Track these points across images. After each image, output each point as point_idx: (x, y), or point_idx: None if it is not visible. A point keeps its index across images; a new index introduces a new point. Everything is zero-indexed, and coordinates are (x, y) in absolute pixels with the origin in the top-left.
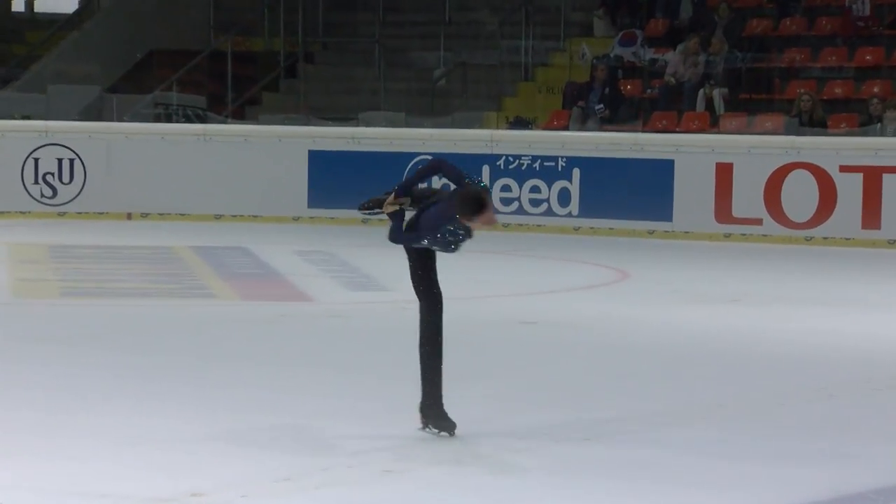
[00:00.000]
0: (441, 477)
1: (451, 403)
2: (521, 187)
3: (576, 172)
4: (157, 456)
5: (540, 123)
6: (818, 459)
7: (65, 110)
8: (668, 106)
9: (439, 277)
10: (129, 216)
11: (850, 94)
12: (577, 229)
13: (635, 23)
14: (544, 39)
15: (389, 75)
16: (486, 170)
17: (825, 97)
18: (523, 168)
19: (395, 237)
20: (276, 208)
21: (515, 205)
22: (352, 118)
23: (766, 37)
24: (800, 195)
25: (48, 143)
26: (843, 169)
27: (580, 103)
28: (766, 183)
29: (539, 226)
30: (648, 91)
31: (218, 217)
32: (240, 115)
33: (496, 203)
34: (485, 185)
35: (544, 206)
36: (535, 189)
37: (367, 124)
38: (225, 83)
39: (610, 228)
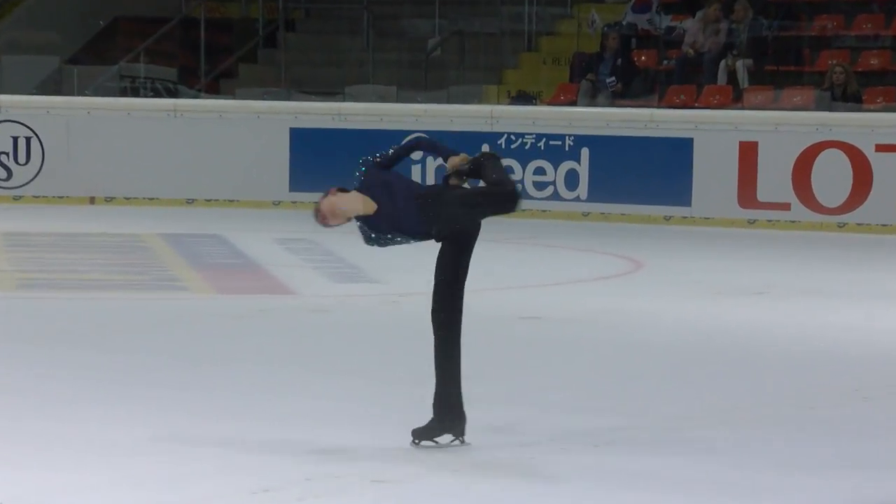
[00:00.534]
0: (436, 487)
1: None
2: (524, 169)
3: (584, 152)
4: (124, 466)
5: (545, 98)
6: (849, 469)
7: (20, 84)
8: (687, 79)
9: (430, 269)
10: (92, 200)
11: (887, 65)
12: (585, 215)
13: None
14: (549, 5)
15: (379, 45)
16: (485, 149)
17: (860, 69)
18: (527, 148)
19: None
20: (255, 192)
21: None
22: (337, 92)
23: (794, 2)
24: (832, 177)
25: (2, 119)
26: (880, 148)
27: (589, 76)
28: (795, 164)
29: (544, 211)
30: (665, 63)
31: (190, 202)
32: (214, 89)
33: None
34: (493, 153)
35: (550, 190)
36: (539, 171)
37: (355, 99)
38: (197, 53)
39: (622, 214)
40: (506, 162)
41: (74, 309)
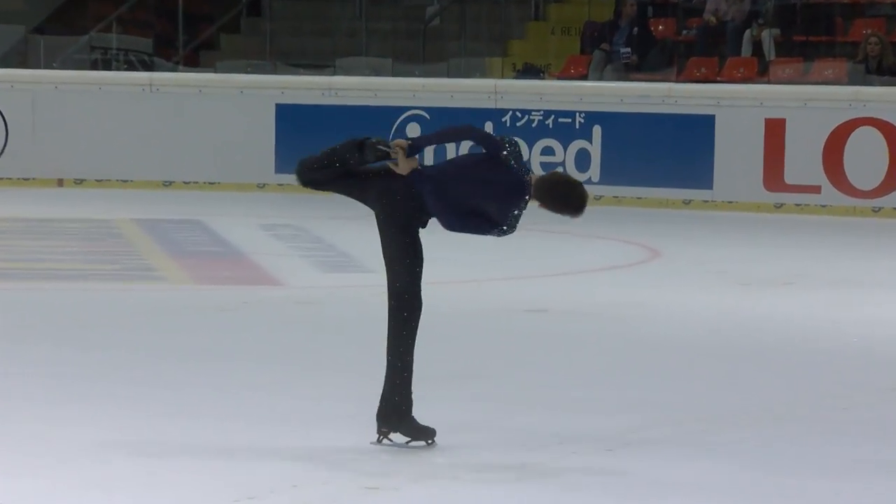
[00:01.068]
0: (433, 494)
1: (444, 405)
2: (530, 148)
3: (596, 131)
4: (95, 470)
5: (553, 72)
6: (886, 473)
7: None
8: (708, 50)
9: (428, 255)
10: (61, 183)
11: None
12: (597, 199)
13: None
14: None
15: (373, 13)
16: (488, 127)
17: None
18: (534, 125)
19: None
20: (238, 174)
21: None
22: (328, 65)
23: None
24: (866, 157)
25: None
26: None
27: (603, 45)
28: (826, 143)
29: None
30: (684, 32)
31: (167, 184)
32: (193, 62)
33: None
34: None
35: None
36: (547, 150)
37: (347, 73)
38: (175, 22)
39: (637, 198)
40: None
41: (40, 301)
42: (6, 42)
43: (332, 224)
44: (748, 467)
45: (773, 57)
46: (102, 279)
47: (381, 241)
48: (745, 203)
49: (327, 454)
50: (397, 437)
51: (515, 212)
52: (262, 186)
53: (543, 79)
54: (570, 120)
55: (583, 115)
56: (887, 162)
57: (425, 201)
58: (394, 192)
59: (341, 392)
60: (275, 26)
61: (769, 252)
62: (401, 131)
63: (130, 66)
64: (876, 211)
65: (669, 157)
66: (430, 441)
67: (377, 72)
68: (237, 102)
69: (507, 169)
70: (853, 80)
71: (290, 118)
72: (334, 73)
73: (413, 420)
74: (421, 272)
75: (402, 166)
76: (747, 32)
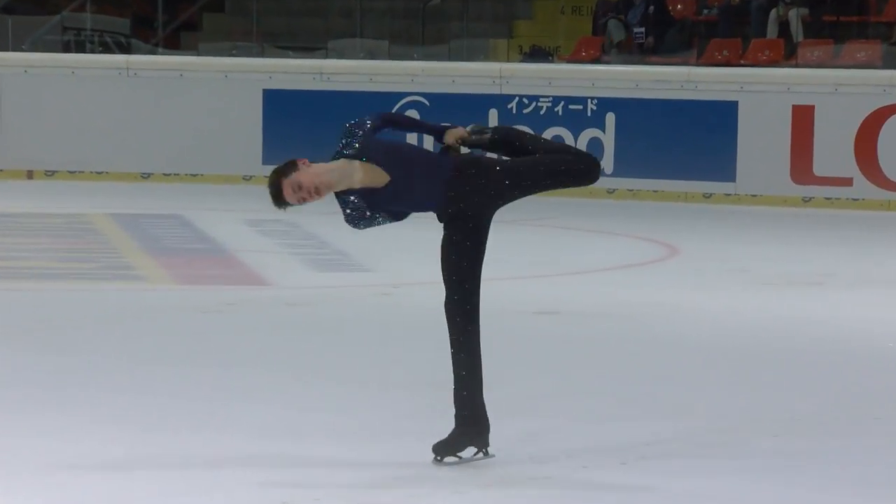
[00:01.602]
0: None
1: (445, 415)
2: None
3: (610, 118)
4: (63, 485)
5: (563, 54)
6: None
7: None
8: (731, 31)
9: (431, 253)
10: (30, 175)
11: None
12: (611, 192)
13: None
14: None
15: None
16: (493, 114)
17: None
18: (542, 113)
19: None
20: (222, 165)
21: None
22: (319, 47)
23: None
24: None
25: None
26: None
27: (618, 17)
28: (858, 131)
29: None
30: (705, 12)
31: (146, 176)
32: (173, 44)
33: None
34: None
35: None
36: (557, 139)
37: (340, 56)
38: (154, 1)
39: (654, 191)
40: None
41: (9, 302)
42: None
43: (326, 219)
44: (777, 483)
45: (800, 38)
46: (76, 279)
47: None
48: (770, 197)
49: (318, 467)
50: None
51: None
52: (248, 178)
53: (552, 62)
54: (581, 107)
55: (595, 101)
56: None
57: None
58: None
59: (334, 401)
60: (262, 5)
61: (796, 250)
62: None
63: (106, 49)
64: None
65: (688, 147)
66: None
67: (373, 54)
68: (221, 87)
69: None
70: (887, 64)
71: (279, 104)
72: (326, 56)
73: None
74: None
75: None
76: (773, 12)
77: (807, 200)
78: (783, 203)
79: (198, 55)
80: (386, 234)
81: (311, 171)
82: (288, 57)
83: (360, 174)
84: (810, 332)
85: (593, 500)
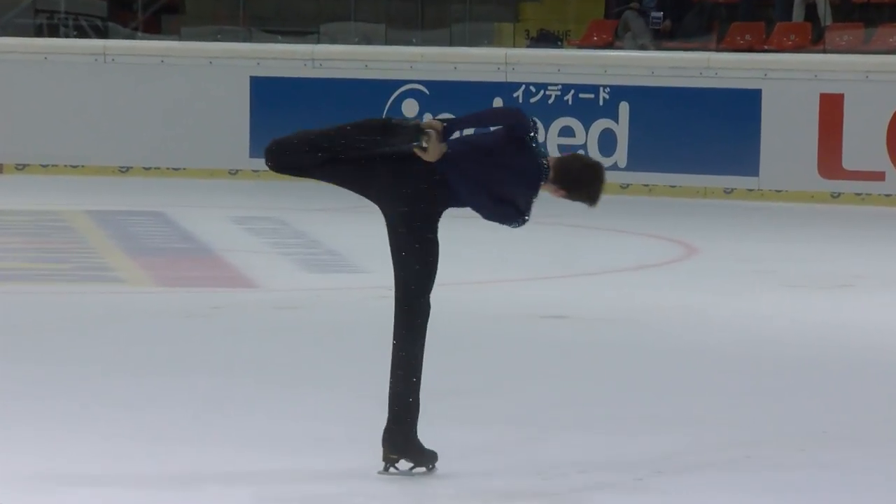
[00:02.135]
0: None
1: (448, 426)
2: (547, 129)
3: (623, 108)
4: (38, 501)
5: (573, 39)
6: None
7: None
8: (754, 14)
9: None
10: (1, 169)
11: None
12: (624, 187)
13: None
14: None
15: None
16: (498, 104)
17: None
18: (550, 101)
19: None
20: (206, 158)
21: None
22: (311, 31)
23: None
24: None
25: None
26: None
27: (633, 4)
28: (891, 122)
29: None
30: None
31: (125, 170)
32: (154, 28)
33: None
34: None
35: None
36: (566, 131)
37: (333, 41)
38: None
39: (671, 186)
40: None
41: None
42: None
43: (318, 216)
44: (802, 500)
45: (829, 21)
46: (48, 281)
47: (397, 237)
48: (796, 192)
49: (309, 481)
50: (401, 464)
51: (534, 198)
52: (234, 173)
53: (561, 47)
54: (592, 95)
55: (607, 89)
56: None
57: (454, 188)
58: (414, 178)
59: (326, 411)
60: None
61: (824, 249)
62: (396, 108)
63: (81, 33)
64: None
65: (708, 138)
66: (431, 466)
67: (368, 39)
68: (205, 75)
69: (530, 152)
70: None
71: (268, 93)
72: (318, 41)
73: (418, 442)
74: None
75: (433, 151)
76: None
77: (835, 196)
78: (810, 199)
79: (180, 40)
80: (381, 233)
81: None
82: (277, 42)
83: None
84: (839, 339)
85: None
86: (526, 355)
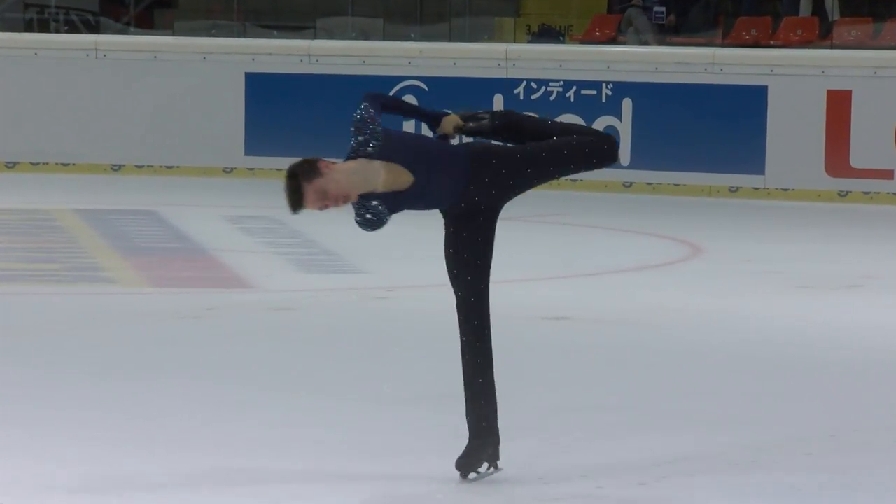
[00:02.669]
0: None
1: (445, 430)
2: None
3: (626, 105)
4: None
5: (575, 34)
6: None
7: None
8: (760, 9)
9: (430, 253)
10: None
11: None
12: (627, 186)
13: None
14: None
15: None
16: (498, 100)
17: None
18: (552, 98)
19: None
20: (200, 156)
21: None
22: (307, 26)
23: None
24: None
25: None
26: None
27: (635, 2)
28: None
29: (574, 181)
30: None
31: (116, 168)
32: (146, 22)
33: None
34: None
35: None
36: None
37: (330, 36)
38: None
39: (675, 185)
40: None
41: None
42: None
43: (314, 216)
44: None
45: (836, 16)
46: (39, 281)
47: (488, 242)
48: (802, 191)
49: (306, 484)
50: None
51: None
52: (229, 171)
53: (563, 42)
54: (594, 92)
55: (610, 86)
56: None
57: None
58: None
59: (321, 414)
60: None
61: (831, 249)
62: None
63: (72, 28)
64: None
65: (713, 136)
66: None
67: (366, 34)
68: (199, 71)
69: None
70: None
71: (263, 89)
72: (314, 36)
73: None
74: None
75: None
76: None
77: (843, 195)
78: (817, 198)
79: (173, 35)
80: (380, 233)
81: (336, 178)
82: (272, 37)
83: (384, 176)
84: (847, 340)
85: None
86: (527, 358)
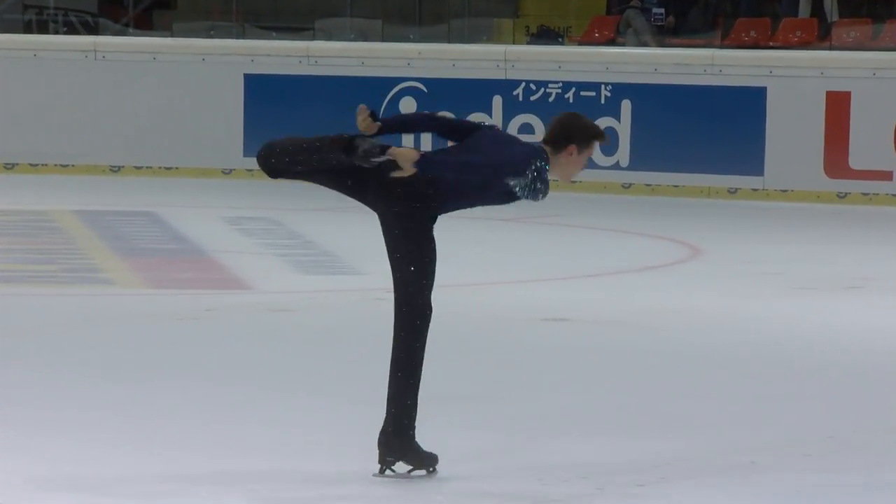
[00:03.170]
0: None
1: (446, 430)
2: (546, 127)
3: (625, 106)
4: None
5: (574, 35)
6: None
7: None
8: (759, 10)
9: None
10: None
11: None
12: (627, 187)
13: None
14: None
15: None
16: (497, 102)
17: None
18: (550, 99)
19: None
20: (199, 157)
21: None
22: (306, 28)
23: None
24: None
25: None
26: None
27: (633, 2)
28: None
29: (574, 182)
30: None
31: (115, 169)
32: (145, 24)
33: None
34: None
35: None
36: None
37: (328, 37)
38: None
39: (674, 186)
40: (525, 118)
41: None
42: None
43: (313, 217)
44: None
45: (835, 17)
46: (38, 282)
47: (392, 238)
48: (801, 192)
49: (303, 485)
50: (399, 466)
51: (535, 166)
52: (228, 172)
53: (562, 44)
54: (593, 93)
55: (609, 87)
56: None
57: (443, 187)
58: (406, 178)
59: (320, 415)
60: None
61: (830, 250)
62: (394, 106)
63: (71, 29)
64: None
65: (712, 137)
66: (431, 469)
67: (364, 35)
68: (198, 72)
69: (512, 142)
70: None
71: (262, 90)
72: (313, 37)
73: (416, 445)
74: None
75: (406, 165)
76: None
77: (842, 196)
78: (816, 199)
79: (172, 36)
80: (376, 233)
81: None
82: (271, 38)
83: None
84: (846, 342)
85: None
86: (526, 359)
